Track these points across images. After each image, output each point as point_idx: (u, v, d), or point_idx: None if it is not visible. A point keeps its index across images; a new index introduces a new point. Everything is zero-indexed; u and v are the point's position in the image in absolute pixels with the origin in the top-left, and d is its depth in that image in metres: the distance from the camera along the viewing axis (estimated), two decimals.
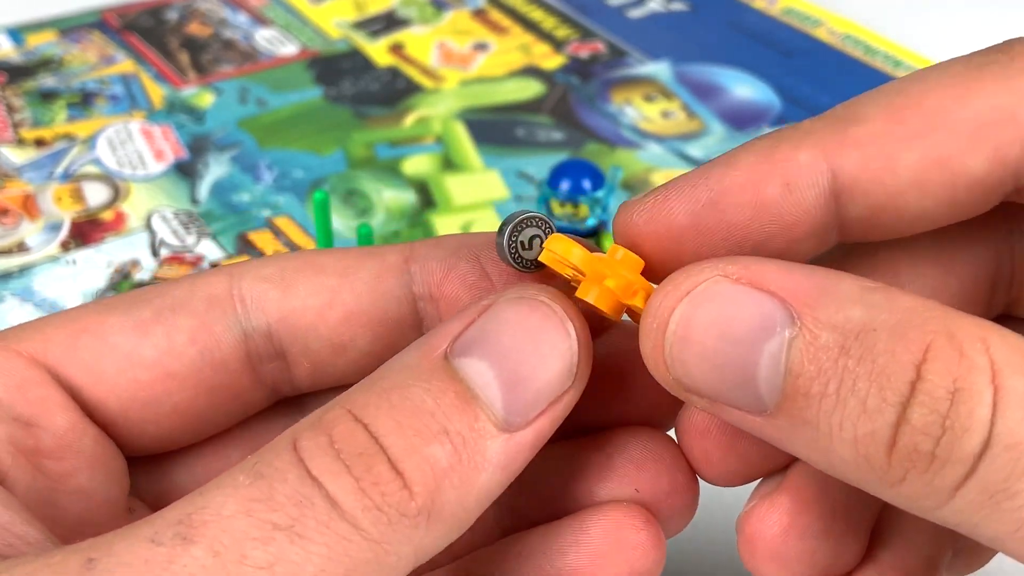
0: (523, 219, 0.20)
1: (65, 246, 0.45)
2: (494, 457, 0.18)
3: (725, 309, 0.17)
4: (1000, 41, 0.19)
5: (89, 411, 0.21)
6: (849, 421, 0.16)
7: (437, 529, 0.17)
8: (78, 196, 0.48)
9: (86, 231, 0.46)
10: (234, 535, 0.16)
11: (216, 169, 0.50)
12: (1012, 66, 0.18)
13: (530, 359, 0.19)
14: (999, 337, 0.16)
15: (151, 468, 0.23)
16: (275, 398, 0.24)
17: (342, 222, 0.46)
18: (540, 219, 0.20)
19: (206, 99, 0.55)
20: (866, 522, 0.22)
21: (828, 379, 0.16)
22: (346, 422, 0.18)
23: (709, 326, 0.17)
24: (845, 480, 0.17)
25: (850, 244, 0.21)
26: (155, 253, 0.45)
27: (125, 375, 0.21)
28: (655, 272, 0.20)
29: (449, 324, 0.19)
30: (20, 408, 0.20)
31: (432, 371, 0.18)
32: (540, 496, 0.23)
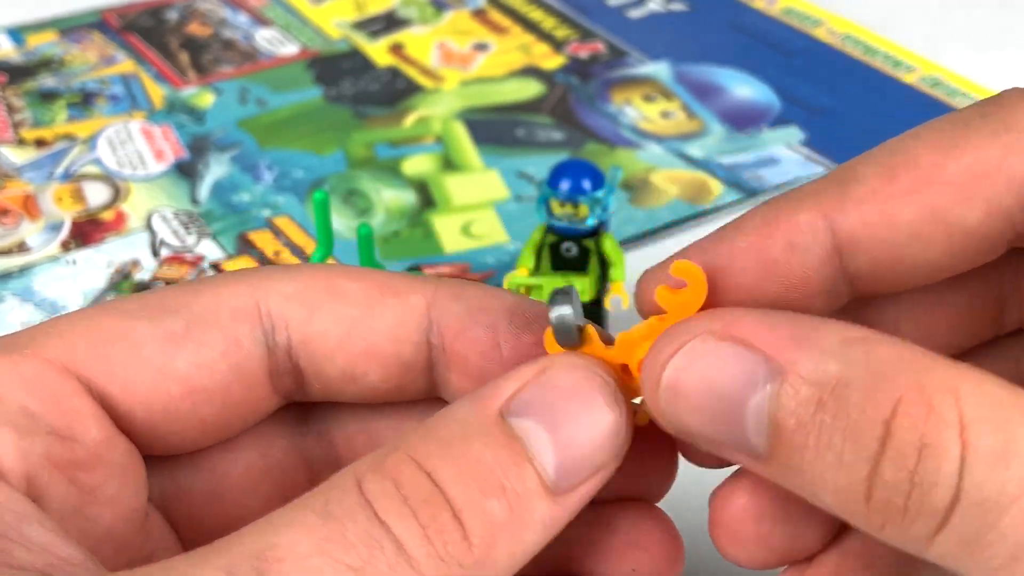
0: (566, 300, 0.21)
1: (65, 246, 0.45)
2: (541, 518, 0.19)
3: (710, 366, 0.18)
4: (993, 95, 0.20)
5: (117, 421, 0.21)
6: (829, 472, 0.17)
7: None
8: (78, 196, 0.48)
9: (86, 231, 0.46)
10: (310, 574, 0.16)
11: (216, 169, 0.50)
12: (1001, 119, 0.19)
13: (583, 427, 0.19)
14: (973, 387, 0.16)
15: (159, 469, 0.23)
16: (283, 404, 0.24)
17: (342, 222, 0.46)
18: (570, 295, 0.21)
19: (206, 99, 0.55)
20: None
21: (808, 432, 0.17)
22: (411, 468, 0.18)
23: (697, 383, 0.18)
24: (843, 519, 0.18)
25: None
26: (155, 253, 0.45)
27: (157, 388, 0.21)
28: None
29: (503, 383, 0.20)
30: (55, 420, 0.20)
31: (490, 427, 0.19)
32: (537, 570, 0.22)
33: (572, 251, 0.36)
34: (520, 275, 0.35)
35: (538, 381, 0.20)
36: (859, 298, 0.21)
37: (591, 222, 0.35)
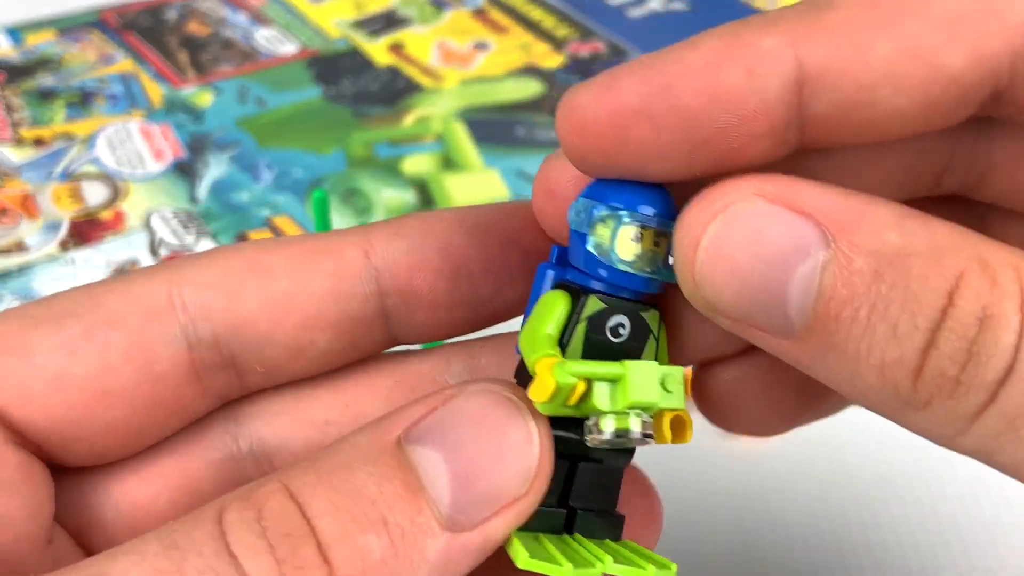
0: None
1: (64, 245, 0.45)
2: (432, 557, 0.17)
3: (759, 228, 0.17)
4: None
5: (16, 434, 0.20)
6: (878, 346, 0.16)
7: None
8: (77, 195, 0.48)
9: (85, 231, 0.46)
10: None
11: (215, 168, 0.50)
12: None
13: (486, 457, 0.18)
14: None
15: (79, 483, 0.22)
16: (220, 403, 0.22)
17: (342, 221, 0.46)
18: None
19: (205, 98, 0.55)
20: None
21: (860, 304, 0.16)
22: (279, 498, 0.17)
23: (742, 244, 0.17)
24: (866, 407, 0.17)
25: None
26: (154, 252, 0.45)
27: (55, 396, 0.20)
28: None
29: (409, 408, 0.18)
30: None
31: (381, 455, 0.17)
32: None
33: (624, 331, 0.20)
34: (576, 363, 0.18)
35: (445, 407, 0.18)
36: (804, 149, 0.19)
37: (667, 274, 0.20)
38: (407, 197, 0.48)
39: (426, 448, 0.17)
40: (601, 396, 0.18)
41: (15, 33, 0.61)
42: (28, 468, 0.20)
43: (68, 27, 0.62)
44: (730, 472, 0.35)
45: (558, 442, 0.19)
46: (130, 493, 0.22)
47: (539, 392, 0.18)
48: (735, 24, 0.18)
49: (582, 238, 0.19)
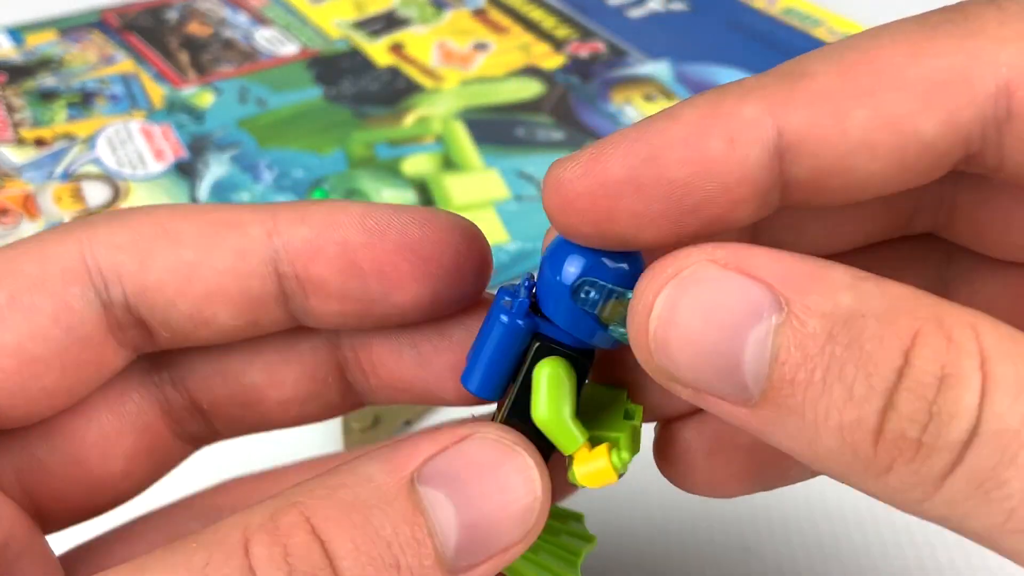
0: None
1: None
2: None
3: (712, 294, 0.17)
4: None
5: None
6: (835, 408, 0.16)
7: None
8: (78, 196, 0.48)
9: None
10: None
11: (216, 169, 0.50)
12: (966, 26, 0.17)
13: (494, 509, 0.18)
14: (989, 324, 0.16)
15: (10, 446, 0.22)
16: (135, 356, 0.23)
17: None
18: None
19: (206, 99, 0.55)
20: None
21: (815, 366, 0.16)
22: (304, 535, 0.17)
23: (695, 310, 0.17)
24: (830, 475, 0.17)
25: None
26: None
27: None
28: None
29: (421, 442, 0.19)
30: None
31: (396, 496, 0.18)
32: None
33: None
34: (628, 451, 0.20)
35: (456, 449, 0.19)
36: (787, 208, 0.19)
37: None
38: (407, 197, 0.48)
39: (439, 493, 0.18)
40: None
41: (16, 33, 0.61)
42: None
43: (69, 27, 0.62)
44: None
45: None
46: (72, 436, 0.23)
47: (599, 479, 0.20)
48: (714, 93, 0.18)
49: (579, 310, 0.19)
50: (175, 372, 0.24)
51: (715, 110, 0.18)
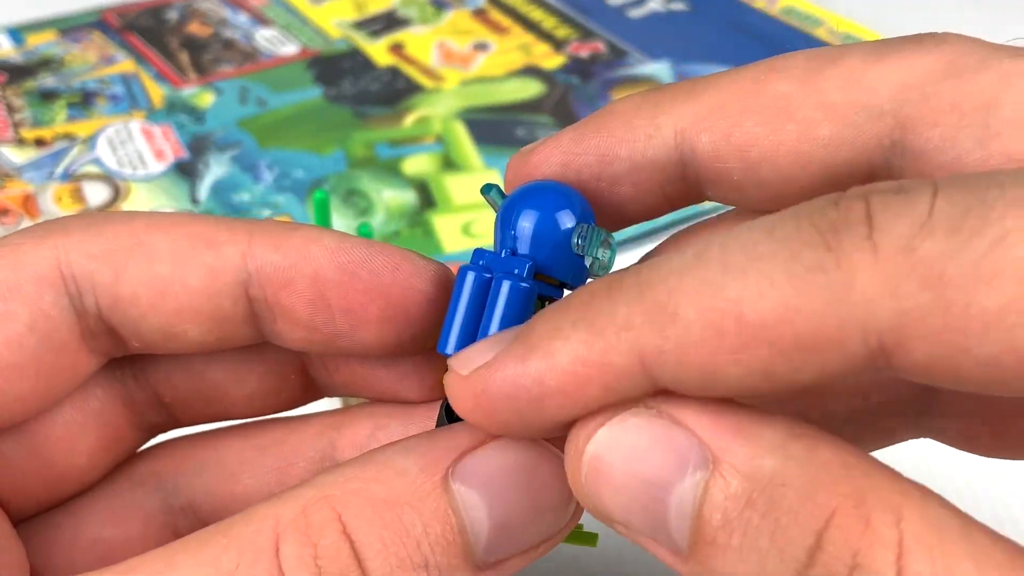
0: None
1: None
2: None
3: (640, 444, 0.16)
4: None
5: None
6: None
7: None
8: (78, 196, 0.48)
9: None
10: None
11: (216, 169, 0.50)
12: (835, 276, 0.15)
13: (526, 513, 0.18)
14: (917, 508, 0.14)
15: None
16: (104, 361, 0.23)
17: (342, 222, 0.46)
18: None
19: (206, 99, 0.55)
20: None
21: (732, 530, 0.15)
22: (334, 534, 0.17)
23: (623, 461, 0.17)
24: None
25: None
26: None
27: None
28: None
29: (458, 435, 0.19)
30: None
31: (429, 494, 0.18)
32: None
33: None
34: None
35: (495, 446, 0.19)
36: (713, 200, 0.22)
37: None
38: (408, 197, 0.48)
39: (472, 492, 0.18)
40: None
41: (16, 33, 0.61)
42: None
43: (69, 27, 0.62)
44: None
45: None
46: (35, 433, 0.22)
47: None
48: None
49: (573, 256, 0.20)
50: (138, 369, 0.24)
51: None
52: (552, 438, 0.18)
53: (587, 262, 0.20)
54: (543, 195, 0.20)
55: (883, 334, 0.14)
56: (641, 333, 0.16)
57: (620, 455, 0.17)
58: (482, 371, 0.17)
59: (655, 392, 0.16)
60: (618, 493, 0.17)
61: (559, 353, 0.16)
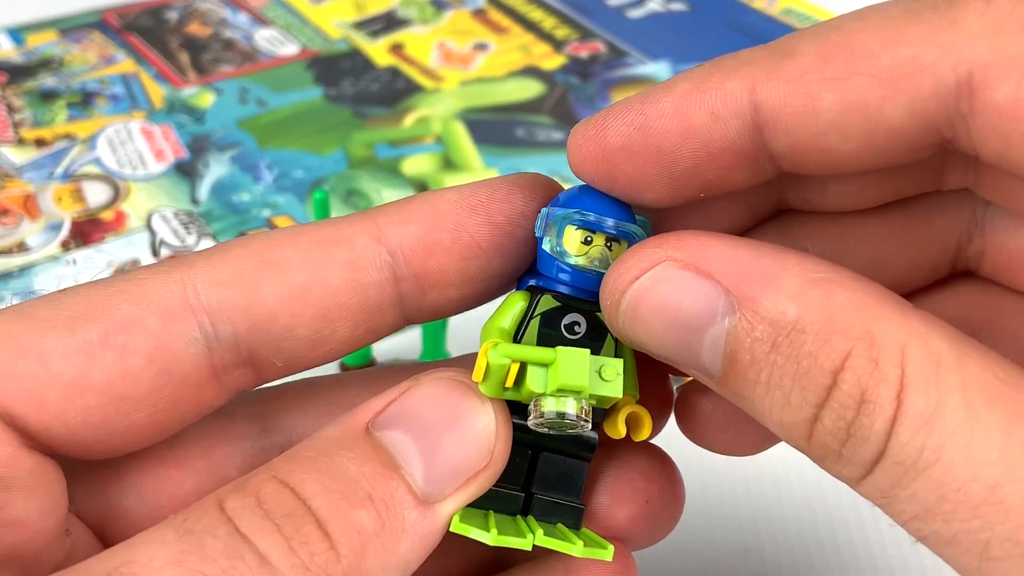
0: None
1: (65, 246, 0.45)
2: (412, 527, 0.19)
3: (670, 295, 0.18)
4: None
5: (30, 438, 0.20)
6: (776, 408, 0.18)
7: None
8: (78, 196, 0.48)
9: (86, 231, 0.46)
10: None
11: (216, 169, 0.50)
12: (948, 15, 0.18)
13: (450, 435, 0.19)
14: (920, 346, 0.16)
15: (98, 473, 0.22)
16: (232, 395, 0.23)
17: None
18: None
19: (206, 99, 0.55)
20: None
21: (760, 368, 0.18)
22: (273, 485, 0.18)
23: (655, 311, 0.19)
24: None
25: (803, 213, 0.22)
26: (155, 253, 0.45)
27: (72, 402, 0.20)
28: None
29: (370, 402, 0.20)
30: None
31: (355, 441, 0.19)
32: None
33: (580, 329, 0.21)
34: (511, 347, 0.20)
35: (405, 395, 0.20)
36: (788, 174, 0.20)
37: None
38: None
39: (395, 431, 0.19)
40: (535, 378, 0.20)
41: (16, 34, 0.61)
42: (42, 468, 0.20)
43: (69, 28, 0.62)
44: (730, 472, 0.35)
45: (520, 430, 0.21)
46: (153, 480, 0.23)
47: (476, 373, 0.20)
48: (709, 65, 0.20)
49: (553, 245, 0.21)
50: (280, 436, 0.24)
51: (703, 84, 0.19)
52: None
53: (544, 243, 0.21)
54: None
55: (975, 65, 0.17)
56: (760, 65, 0.19)
57: (652, 307, 0.19)
58: (601, 119, 0.20)
59: (692, 238, 0.19)
60: (653, 337, 0.19)
61: (677, 86, 0.19)
